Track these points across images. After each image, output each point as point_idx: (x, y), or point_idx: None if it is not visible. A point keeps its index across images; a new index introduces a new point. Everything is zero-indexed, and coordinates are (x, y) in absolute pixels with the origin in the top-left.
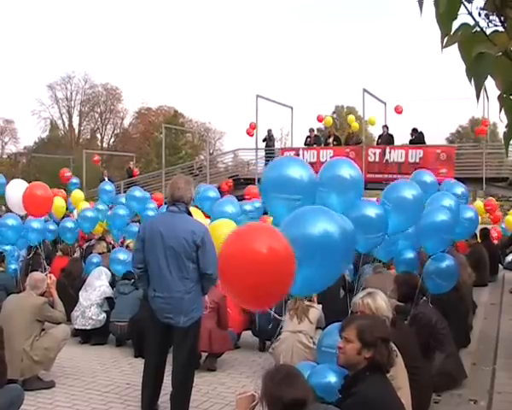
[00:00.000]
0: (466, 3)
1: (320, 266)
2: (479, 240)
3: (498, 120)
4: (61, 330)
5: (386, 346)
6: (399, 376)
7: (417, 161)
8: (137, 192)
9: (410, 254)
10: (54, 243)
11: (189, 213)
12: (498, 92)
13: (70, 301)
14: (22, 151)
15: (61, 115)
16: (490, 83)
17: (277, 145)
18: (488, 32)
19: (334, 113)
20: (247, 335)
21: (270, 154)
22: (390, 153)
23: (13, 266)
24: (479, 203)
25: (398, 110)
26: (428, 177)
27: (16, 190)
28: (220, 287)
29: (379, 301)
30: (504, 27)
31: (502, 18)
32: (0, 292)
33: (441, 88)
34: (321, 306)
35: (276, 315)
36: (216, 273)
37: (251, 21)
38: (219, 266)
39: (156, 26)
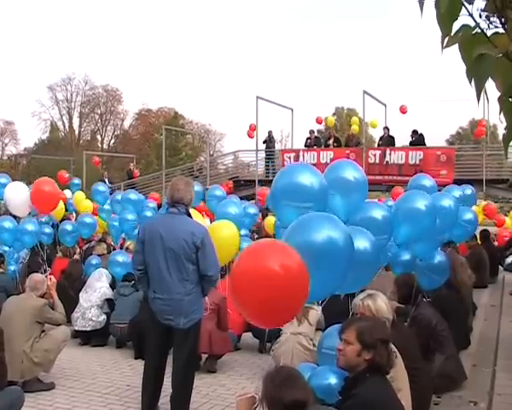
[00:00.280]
0: (467, 5)
1: (324, 273)
2: (479, 242)
3: (498, 121)
4: (61, 332)
5: (385, 347)
6: (399, 377)
7: (417, 162)
8: (133, 195)
9: (406, 256)
10: (54, 245)
11: (189, 215)
12: (498, 94)
13: (70, 302)
14: (22, 153)
15: (62, 117)
16: (490, 84)
17: (277, 147)
18: (489, 33)
19: (334, 114)
20: (248, 336)
21: (270, 155)
22: (390, 154)
23: (12, 268)
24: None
25: (403, 110)
26: (427, 181)
27: (16, 192)
28: (220, 288)
29: (379, 302)
30: (505, 29)
31: (502, 19)
32: (0, 294)
33: (441, 89)
34: (321, 307)
35: None
36: (216, 275)
37: (251, 23)
38: (231, 284)
39: (156, 27)
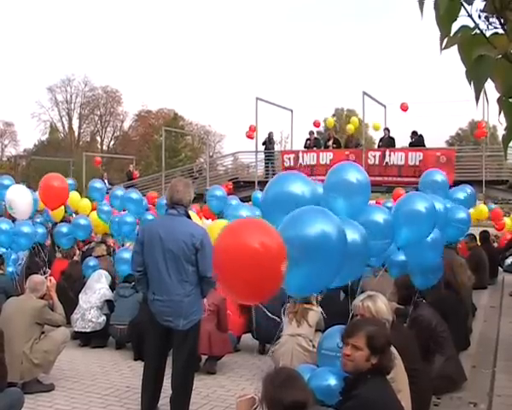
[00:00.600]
0: (466, 5)
1: (317, 265)
2: (478, 243)
3: (498, 122)
4: (61, 333)
5: (390, 350)
6: (399, 378)
7: (417, 163)
8: (134, 194)
9: (401, 257)
10: (53, 246)
11: (189, 216)
12: (498, 95)
13: (70, 303)
14: (22, 154)
15: (61, 118)
16: (489, 85)
17: (277, 148)
18: (488, 34)
19: (333, 115)
20: (247, 338)
21: (269, 157)
22: (390, 156)
23: (10, 269)
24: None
25: (404, 107)
26: (439, 176)
27: (18, 195)
28: (220, 290)
29: (379, 303)
30: (504, 30)
31: (501, 20)
32: (0, 295)
33: (441, 91)
34: (320, 308)
35: (272, 315)
36: (215, 276)
37: (250, 24)
38: (213, 259)
39: (156, 28)
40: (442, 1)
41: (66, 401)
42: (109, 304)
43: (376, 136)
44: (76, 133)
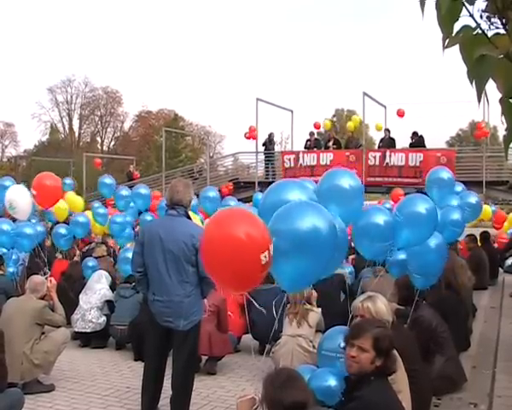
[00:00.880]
0: (467, 5)
1: (309, 258)
2: (479, 243)
3: (499, 123)
4: (61, 334)
5: (393, 352)
6: (400, 379)
7: (417, 164)
8: (143, 190)
9: (401, 256)
10: (53, 247)
11: (189, 217)
12: (499, 95)
13: (70, 304)
14: (22, 154)
15: (62, 118)
16: (490, 86)
17: (277, 149)
18: (490, 34)
19: (334, 116)
20: (247, 338)
21: (270, 157)
22: (390, 156)
23: (10, 269)
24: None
25: (400, 114)
26: (445, 173)
27: (18, 195)
28: (220, 290)
29: (379, 304)
30: (506, 30)
31: (503, 20)
32: (0, 296)
33: (441, 91)
34: (320, 309)
35: (258, 306)
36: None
37: (251, 25)
38: (202, 247)
39: (156, 29)
40: (443, 1)
41: (66, 401)
42: (109, 305)
43: (377, 136)
44: (76, 134)
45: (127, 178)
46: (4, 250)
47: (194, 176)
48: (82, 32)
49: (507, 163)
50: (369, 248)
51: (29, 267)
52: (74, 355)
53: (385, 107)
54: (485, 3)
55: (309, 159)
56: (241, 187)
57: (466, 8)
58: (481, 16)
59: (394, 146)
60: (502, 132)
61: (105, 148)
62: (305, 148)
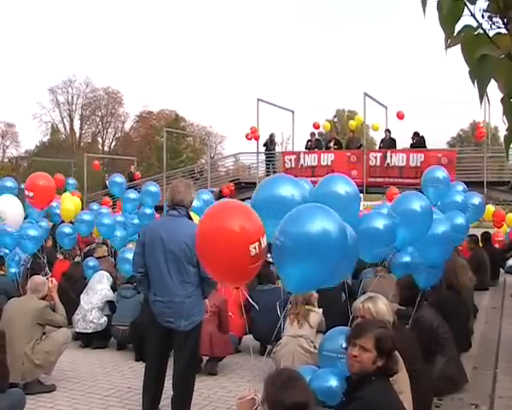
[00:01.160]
0: (469, 5)
1: (317, 261)
2: (480, 244)
3: (500, 123)
4: (62, 334)
5: (395, 353)
6: (401, 380)
7: (418, 164)
8: (153, 187)
9: (406, 258)
10: (55, 247)
11: (190, 217)
12: (501, 95)
13: (71, 304)
14: (23, 155)
15: (63, 119)
16: (491, 86)
17: (278, 149)
18: (491, 34)
19: (335, 117)
20: (249, 339)
21: (270, 158)
22: (391, 157)
23: (13, 270)
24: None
25: (400, 116)
26: (441, 172)
27: (8, 206)
28: (221, 291)
29: (380, 305)
30: (507, 29)
31: (505, 20)
32: (1, 296)
33: (442, 92)
34: (321, 310)
35: (252, 302)
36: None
37: (251, 25)
38: (199, 241)
39: (157, 29)
40: (445, 1)
41: (67, 401)
42: (110, 305)
43: (377, 137)
44: (77, 134)
45: (128, 178)
46: (7, 251)
47: (195, 176)
48: (83, 32)
49: (508, 163)
50: (369, 253)
51: (31, 268)
52: (75, 356)
53: (386, 107)
54: (487, 3)
55: (310, 159)
56: (242, 187)
57: (467, 7)
58: (483, 16)
59: (395, 147)
60: (503, 133)
61: (106, 148)
62: (306, 148)
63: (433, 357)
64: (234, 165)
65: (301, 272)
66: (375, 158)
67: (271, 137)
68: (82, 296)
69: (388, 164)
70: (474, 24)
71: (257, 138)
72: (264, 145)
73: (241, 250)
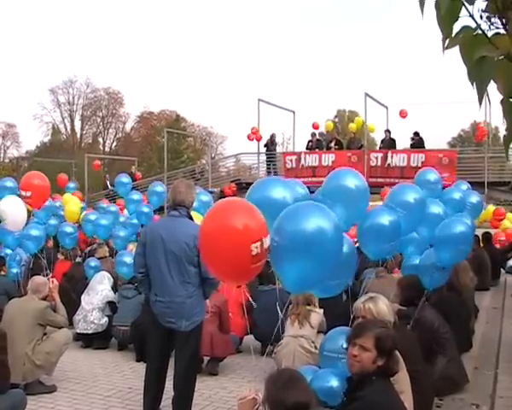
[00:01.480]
0: (467, 5)
1: (313, 259)
2: (481, 244)
3: (501, 123)
4: (63, 335)
5: (396, 353)
6: (401, 380)
7: (419, 165)
8: (159, 187)
9: (417, 261)
10: (56, 247)
11: (191, 218)
12: (500, 97)
13: (72, 305)
14: (24, 155)
15: (63, 119)
16: (491, 86)
17: (279, 149)
18: (490, 34)
19: (336, 117)
20: (249, 339)
21: (271, 158)
22: (392, 157)
23: (14, 270)
24: (489, 207)
25: (403, 114)
26: (432, 175)
27: (10, 206)
28: (222, 291)
29: (380, 305)
30: (506, 30)
31: (503, 20)
32: (1, 296)
33: (443, 92)
34: (322, 310)
35: (252, 302)
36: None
37: (252, 26)
38: (202, 239)
39: (158, 30)
40: (443, 1)
41: (68, 402)
42: (111, 305)
43: (378, 137)
44: (78, 135)
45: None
46: (9, 251)
47: (196, 177)
48: (84, 32)
49: (509, 164)
50: (375, 249)
51: (32, 268)
52: (76, 356)
53: (386, 107)
54: (485, 3)
55: (311, 160)
56: (243, 188)
57: (466, 8)
58: (481, 16)
59: (395, 147)
60: (503, 133)
61: (107, 149)
62: (307, 148)
63: (433, 357)
64: (235, 165)
65: (298, 270)
66: (376, 158)
67: (272, 137)
68: (83, 297)
69: (389, 164)
70: (473, 25)
71: (258, 139)
72: (265, 146)
73: (242, 249)
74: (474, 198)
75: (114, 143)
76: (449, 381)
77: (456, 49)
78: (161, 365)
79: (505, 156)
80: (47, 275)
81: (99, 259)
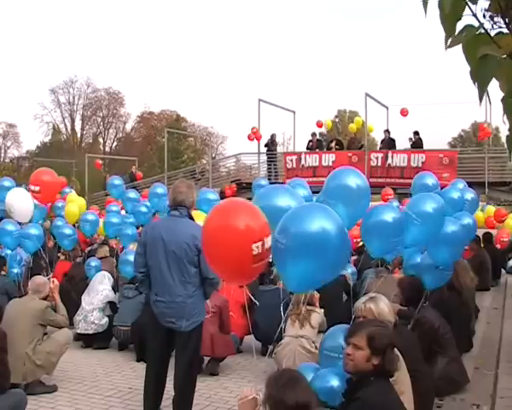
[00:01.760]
0: (470, 5)
1: (316, 260)
2: (481, 244)
3: (501, 123)
4: (64, 335)
5: (392, 352)
6: (402, 380)
7: (420, 165)
8: (160, 189)
9: (419, 259)
10: (56, 247)
11: (191, 218)
12: (501, 96)
13: (72, 305)
14: (25, 155)
15: (64, 119)
16: (492, 86)
17: (279, 149)
18: (492, 33)
19: (336, 117)
20: (250, 339)
21: (272, 158)
22: (392, 157)
23: (15, 270)
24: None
25: (404, 113)
26: (430, 179)
27: (17, 198)
28: (222, 291)
29: (381, 305)
30: (509, 29)
31: (506, 20)
32: (2, 296)
33: (443, 92)
34: (323, 310)
35: (252, 298)
36: (218, 278)
37: (253, 26)
38: (204, 237)
39: (159, 30)
40: (446, 0)
41: (68, 402)
42: (112, 306)
43: (379, 137)
44: (78, 135)
45: (129, 179)
46: (8, 251)
47: (197, 177)
48: (84, 33)
49: (509, 164)
50: (379, 246)
51: (32, 268)
52: (77, 356)
53: (387, 108)
54: (488, 3)
55: (311, 160)
56: (243, 188)
57: (469, 7)
58: (484, 16)
59: (394, 147)
60: (504, 133)
61: (107, 149)
62: (307, 149)
63: (434, 357)
64: (235, 165)
65: (301, 270)
66: (377, 158)
67: (272, 137)
68: (83, 297)
69: (389, 164)
70: (476, 24)
71: (259, 139)
72: (266, 146)
73: (242, 248)
74: (469, 195)
75: (115, 143)
76: (449, 381)
77: (458, 49)
78: (162, 365)
79: (506, 156)
80: (47, 275)
81: (99, 259)
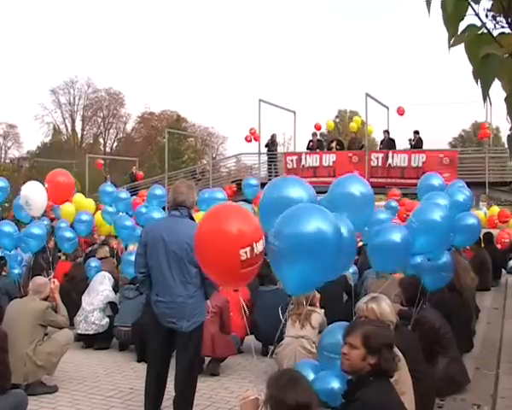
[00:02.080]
0: (473, 4)
1: (313, 261)
2: (482, 244)
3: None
4: (64, 335)
5: (390, 351)
6: (403, 380)
7: (420, 165)
8: (158, 190)
9: (419, 259)
10: (57, 247)
11: (192, 218)
12: (502, 96)
13: (73, 305)
14: (25, 156)
15: (64, 120)
16: (492, 87)
17: (280, 150)
18: (495, 33)
19: (337, 117)
20: (250, 339)
21: (272, 158)
22: (393, 157)
23: (16, 271)
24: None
25: (400, 112)
26: (436, 180)
27: (34, 191)
28: (223, 291)
29: (383, 305)
30: (511, 29)
31: (509, 19)
32: (3, 297)
33: (444, 92)
34: (323, 310)
35: (245, 306)
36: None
37: (253, 26)
38: (196, 242)
39: (159, 30)
40: (449, 0)
41: (69, 402)
42: (112, 306)
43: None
44: (79, 135)
45: (130, 179)
46: (8, 252)
47: (197, 177)
48: (85, 33)
49: (510, 164)
50: (384, 265)
51: (33, 268)
52: (77, 356)
53: (387, 108)
54: (491, 2)
55: (311, 160)
56: None
57: (471, 7)
58: (487, 15)
59: (394, 147)
60: (504, 133)
61: (108, 149)
62: (308, 149)
63: (434, 358)
64: (235, 166)
65: (298, 273)
66: (377, 159)
67: (273, 137)
68: (83, 297)
69: (390, 164)
70: (478, 23)
71: (256, 139)
72: (266, 146)
73: (230, 254)
74: (465, 191)
75: (115, 144)
76: (450, 381)
77: (459, 49)
78: (162, 365)
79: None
80: (48, 275)
81: (100, 259)
